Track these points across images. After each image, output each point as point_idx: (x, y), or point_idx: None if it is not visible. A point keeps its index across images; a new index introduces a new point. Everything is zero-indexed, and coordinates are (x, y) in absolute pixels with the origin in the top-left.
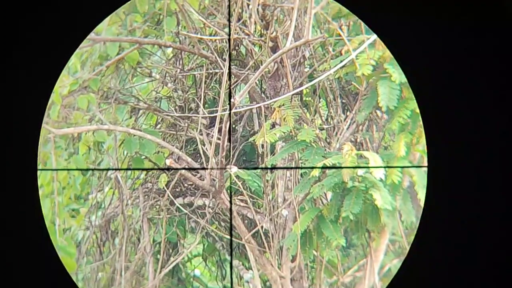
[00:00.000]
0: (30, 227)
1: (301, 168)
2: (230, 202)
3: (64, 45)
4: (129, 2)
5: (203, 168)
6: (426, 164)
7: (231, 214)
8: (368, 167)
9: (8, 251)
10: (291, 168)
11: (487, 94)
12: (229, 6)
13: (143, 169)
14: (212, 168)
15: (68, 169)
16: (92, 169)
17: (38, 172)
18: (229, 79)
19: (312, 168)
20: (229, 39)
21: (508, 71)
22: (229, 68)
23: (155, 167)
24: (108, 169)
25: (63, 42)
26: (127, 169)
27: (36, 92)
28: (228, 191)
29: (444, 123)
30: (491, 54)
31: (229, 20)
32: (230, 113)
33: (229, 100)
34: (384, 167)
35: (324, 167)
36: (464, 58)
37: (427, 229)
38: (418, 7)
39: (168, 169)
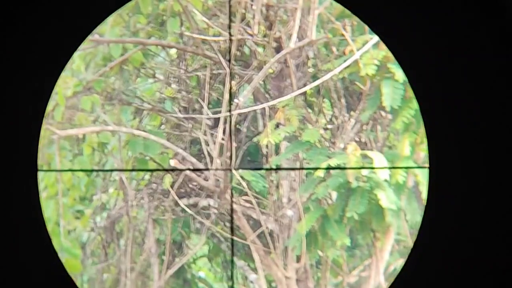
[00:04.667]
0: (30, 229)
1: (302, 169)
2: (231, 201)
3: (64, 45)
4: (129, 2)
5: (206, 169)
6: (427, 164)
7: (232, 213)
8: (369, 168)
9: (7, 252)
10: (293, 169)
11: (488, 94)
12: (229, 6)
13: (143, 170)
14: (216, 169)
15: (68, 170)
16: (92, 170)
17: (42, 173)
18: (230, 79)
19: (308, 169)
20: (230, 39)
21: (509, 71)
22: (230, 68)
23: (159, 168)
24: (108, 170)
25: (64, 42)
26: (130, 170)
27: (36, 92)
28: (231, 190)
29: (445, 123)
30: (492, 54)
31: (229, 20)
32: (230, 115)
33: (230, 101)
34: (383, 167)
35: (317, 168)
36: (466, 59)
37: (429, 230)
38: (420, 9)
39: (173, 170)
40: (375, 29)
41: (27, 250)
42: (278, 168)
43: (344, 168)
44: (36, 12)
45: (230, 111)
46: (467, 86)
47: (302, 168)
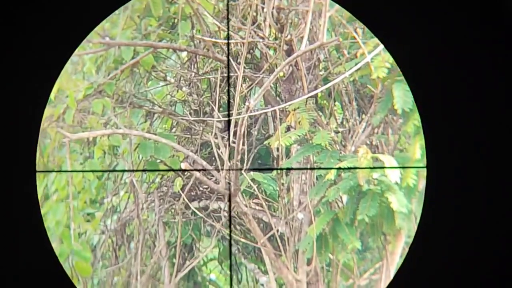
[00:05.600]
0: (29, 229)
1: (307, 169)
2: (229, 199)
3: (63, 44)
4: (129, 2)
5: (204, 170)
6: (425, 164)
7: (230, 210)
8: (362, 168)
9: (6, 251)
10: (298, 169)
11: (488, 95)
12: (227, 8)
13: (136, 170)
14: (223, 169)
15: (66, 171)
16: (91, 171)
17: (53, 177)
18: (229, 82)
19: (313, 169)
20: (227, 43)
21: (506, 74)
22: (228, 72)
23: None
24: (104, 171)
25: (63, 41)
26: (127, 171)
27: (35, 92)
28: (229, 189)
29: (444, 123)
30: (491, 59)
31: (227, 23)
32: (229, 120)
33: (228, 106)
34: (380, 167)
35: (319, 168)
36: (464, 63)
37: (427, 230)
38: (425, 16)
39: (172, 170)
40: (378, 35)
41: (26, 249)
42: (286, 168)
43: (337, 168)
44: (36, 12)
45: (229, 115)
46: (464, 88)
47: (309, 168)
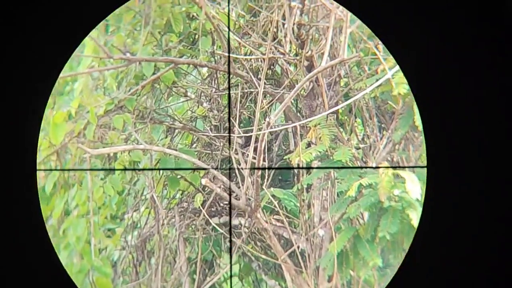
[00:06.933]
0: (30, 228)
1: (322, 168)
2: (230, 202)
3: (63, 44)
4: (128, 2)
5: (210, 168)
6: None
7: (230, 216)
8: (358, 167)
9: (6, 251)
10: (319, 168)
11: (487, 95)
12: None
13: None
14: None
15: (69, 169)
16: (96, 169)
17: (74, 192)
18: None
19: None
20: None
21: (504, 77)
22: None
23: (191, 186)
24: (107, 169)
25: (63, 41)
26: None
27: (35, 91)
28: (229, 194)
29: (444, 123)
30: (493, 56)
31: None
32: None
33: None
34: (376, 167)
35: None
36: (463, 66)
37: (427, 230)
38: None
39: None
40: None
41: (27, 249)
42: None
43: (354, 168)
44: (36, 12)
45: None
46: (466, 86)
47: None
